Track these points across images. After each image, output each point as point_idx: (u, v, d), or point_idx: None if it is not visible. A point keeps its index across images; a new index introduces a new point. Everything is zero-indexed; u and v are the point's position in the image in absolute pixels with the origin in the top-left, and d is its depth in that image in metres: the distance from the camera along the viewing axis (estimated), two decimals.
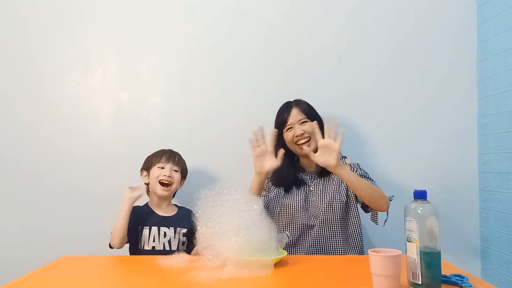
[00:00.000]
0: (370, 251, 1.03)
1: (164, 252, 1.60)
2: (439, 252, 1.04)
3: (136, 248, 1.64)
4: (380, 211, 1.61)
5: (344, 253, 1.62)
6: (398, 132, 1.99)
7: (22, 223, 2.02)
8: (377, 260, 1.01)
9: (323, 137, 1.54)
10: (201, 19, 2.05)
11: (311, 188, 1.71)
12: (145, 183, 1.74)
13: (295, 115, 1.69)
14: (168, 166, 1.70)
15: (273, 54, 2.03)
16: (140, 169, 1.78)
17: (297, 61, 2.02)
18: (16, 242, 2.01)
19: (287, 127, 1.70)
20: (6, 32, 2.06)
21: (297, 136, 1.67)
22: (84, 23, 2.06)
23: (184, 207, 1.77)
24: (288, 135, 1.70)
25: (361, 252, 1.66)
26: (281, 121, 1.72)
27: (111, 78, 2.05)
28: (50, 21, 2.06)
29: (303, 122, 1.68)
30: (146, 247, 1.62)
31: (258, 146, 1.64)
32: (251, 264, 1.20)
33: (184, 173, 1.77)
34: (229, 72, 2.03)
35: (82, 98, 2.04)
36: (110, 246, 1.60)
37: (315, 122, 1.58)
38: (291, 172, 1.71)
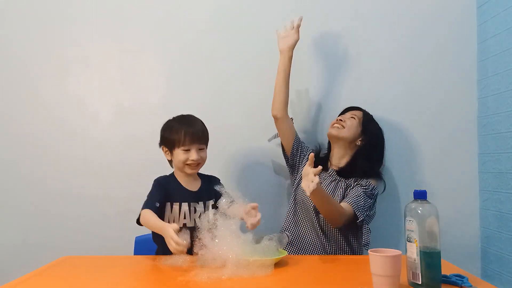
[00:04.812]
0: (370, 251, 1.04)
1: (195, 228, 1.41)
2: (439, 252, 1.04)
3: None
4: (331, 226, 1.65)
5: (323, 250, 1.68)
6: (398, 132, 1.99)
7: (22, 223, 2.02)
8: (377, 260, 1.01)
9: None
10: (201, 19, 2.04)
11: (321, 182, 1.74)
12: (168, 159, 1.62)
13: (355, 112, 1.79)
14: (194, 148, 1.52)
15: (273, 54, 2.02)
16: (159, 144, 1.62)
17: (296, 60, 2.02)
18: (16, 242, 2.01)
19: (340, 115, 1.81)
20: (5, 32, 2.06)
21: (337, 119, 1.78)
22: (84, 23, 2.06)
23: (206, 175, 1.67)
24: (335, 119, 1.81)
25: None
26: (343, 110, 1.85)
27: (111, 78, 2.05)
28: (50, 21, 2.06)
29: (353, 117, 1.77)
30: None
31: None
32: (251, 264, 1.21)
33: (208, 142, 1.61)
34: (229, 72, 2.03)
35: (82, 98, 2.04)
36: (138, 222, 1.47)
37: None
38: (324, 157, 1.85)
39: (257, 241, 1.32)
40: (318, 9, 2.03)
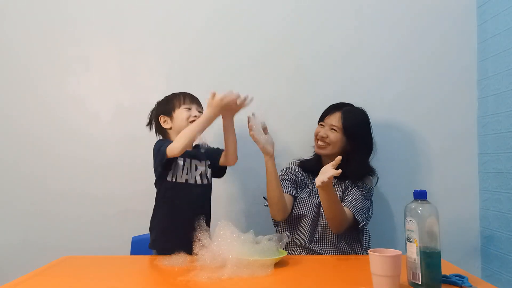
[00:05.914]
0: (370, 251, 1.04)
1: (195, 186, 1.57)
2: (439, 252, 1.04)
3: (163, 180, 1.57)
4: (333, 231, 1.63)
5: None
6: (398, 132, 1.99)
7: (22, 223, 2.02)
8: (377, 260, 1.01)
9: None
10: (201, 19, 2.04)
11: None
12: (166, 128, 1.65)
13: (333, 119, 1.71)
14: (194, 107, 1.64)
15: (273, 54, 2.02)
16: (155, 116, 1.69)
17: (297, 61, 2.02)
18: (16, 242, 2.01)
19: (320, 123, 1.77)
20: (5, 32, 2.06)
21: (318, 135, 1.73)
22: (84, 23, 2.06)
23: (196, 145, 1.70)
24: (316, 130, 1.77)
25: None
26: (322, 115, 1.78)
27: (111, 78, 2.05)
28: (50, 21, 2.06)
29: (333, 129, 1.70)
30: (179, 180, 1.57)
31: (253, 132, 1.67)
32: (251, 264, 1.21)
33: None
34: (229, 72, 2.03)
35: (82, 98, 2.04)
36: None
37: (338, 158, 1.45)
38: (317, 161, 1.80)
39: (257, 241, 1.32)
40: (318, 8, 2.03)
